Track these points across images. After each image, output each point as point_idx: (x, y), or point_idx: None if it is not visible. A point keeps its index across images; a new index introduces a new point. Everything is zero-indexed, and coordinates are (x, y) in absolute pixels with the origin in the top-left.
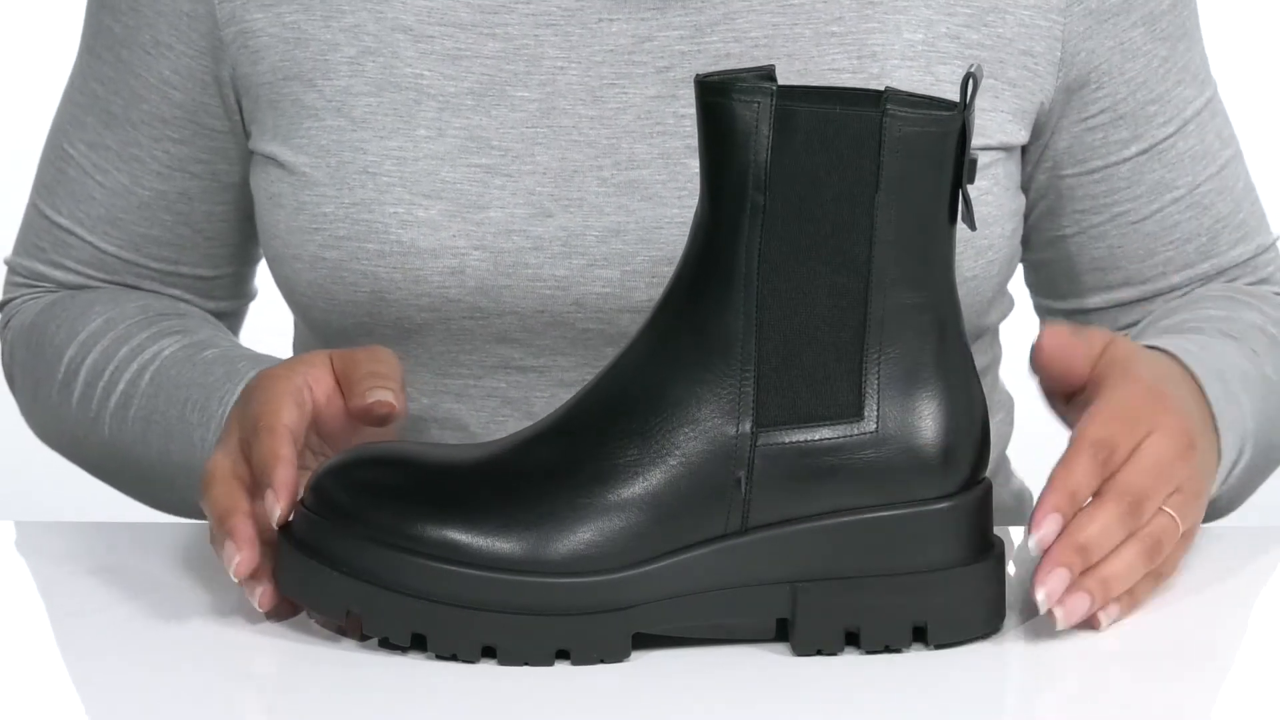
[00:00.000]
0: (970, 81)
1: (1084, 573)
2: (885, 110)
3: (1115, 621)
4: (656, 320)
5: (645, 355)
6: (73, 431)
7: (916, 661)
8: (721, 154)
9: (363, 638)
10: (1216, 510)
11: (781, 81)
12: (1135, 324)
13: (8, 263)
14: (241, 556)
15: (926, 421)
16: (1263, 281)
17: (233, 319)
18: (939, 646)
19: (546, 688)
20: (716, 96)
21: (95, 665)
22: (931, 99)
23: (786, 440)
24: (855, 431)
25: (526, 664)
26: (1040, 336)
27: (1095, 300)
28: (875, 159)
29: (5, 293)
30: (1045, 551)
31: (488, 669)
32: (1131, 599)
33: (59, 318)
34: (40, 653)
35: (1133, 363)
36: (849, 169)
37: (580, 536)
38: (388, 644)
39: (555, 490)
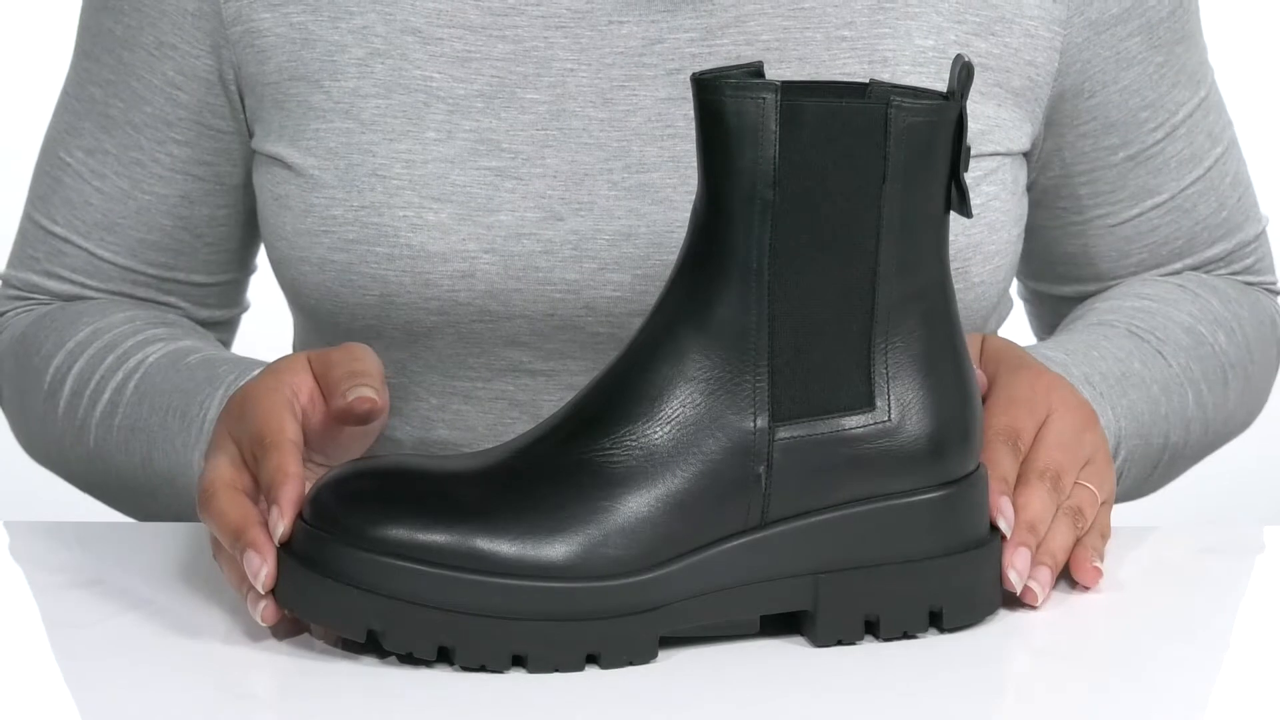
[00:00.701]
0: (963, 70)
1: (1036, 549)
2: (890, 101)
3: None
4: (655, 320)
5: (652, 354)
6: (59, 441)
7: (934, 647)
8: (728, 152)
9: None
10: (1122, 496)
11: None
12: None
13: (2, 277)
14: (269, 568)
15: (937, 408)
16: (1241, 271)
17: (225, 329)
18: (950, 630)
19: (570, 690)
20: (719, 95)
21: (91, 666)
22: (918, 89)
23: (803, 433)
24: (869, 421)
25: (556, 670)
26: None
27: (1065, 289)
28: (882, 149)
29: None
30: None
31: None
32: (1057, 567)
33: (47, 328)
34: (36, 653)
35: (1018, 353)
36: (856, 161)
37: (604, 539)
38: (410, 659)
39: (576, 495)
